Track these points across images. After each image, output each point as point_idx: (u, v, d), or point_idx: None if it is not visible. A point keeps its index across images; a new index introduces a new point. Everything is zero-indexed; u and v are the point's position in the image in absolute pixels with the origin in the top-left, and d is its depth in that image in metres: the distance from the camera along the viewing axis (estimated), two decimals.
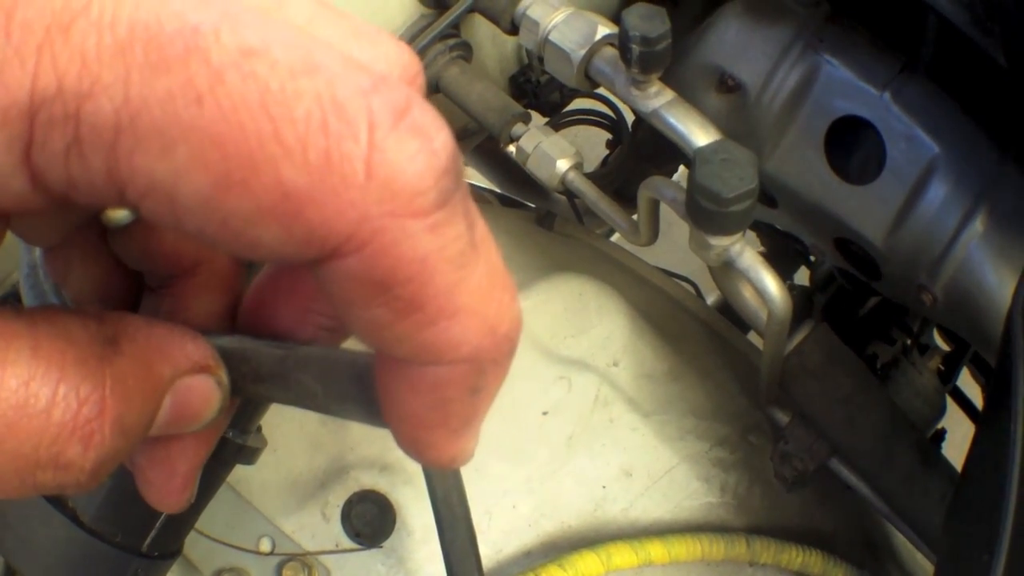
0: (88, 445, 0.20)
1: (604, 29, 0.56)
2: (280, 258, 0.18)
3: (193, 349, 0.23)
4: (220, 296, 0.26)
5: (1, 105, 0.17)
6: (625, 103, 0.56)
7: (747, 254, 0.52)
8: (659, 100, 0.54)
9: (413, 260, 0.18)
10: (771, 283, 0.52)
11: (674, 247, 0.77)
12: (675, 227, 0.60)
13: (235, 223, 0.18)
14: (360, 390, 0.23)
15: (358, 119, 0.17)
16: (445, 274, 0.19)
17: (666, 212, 0.54)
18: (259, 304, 0.26)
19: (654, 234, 0.57)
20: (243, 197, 0.17)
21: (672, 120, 0.54)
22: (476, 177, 0.96)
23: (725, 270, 0.54)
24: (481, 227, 0.20)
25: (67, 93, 0.17)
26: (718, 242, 0.50)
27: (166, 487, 0.25)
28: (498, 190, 0.95)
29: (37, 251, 0.27)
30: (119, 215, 0.24)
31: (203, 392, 0.23)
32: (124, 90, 0.17)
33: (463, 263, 0.19)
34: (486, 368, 0.20)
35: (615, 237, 0.98)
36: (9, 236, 0.25)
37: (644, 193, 0.54)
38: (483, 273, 0.20)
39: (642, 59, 0.51)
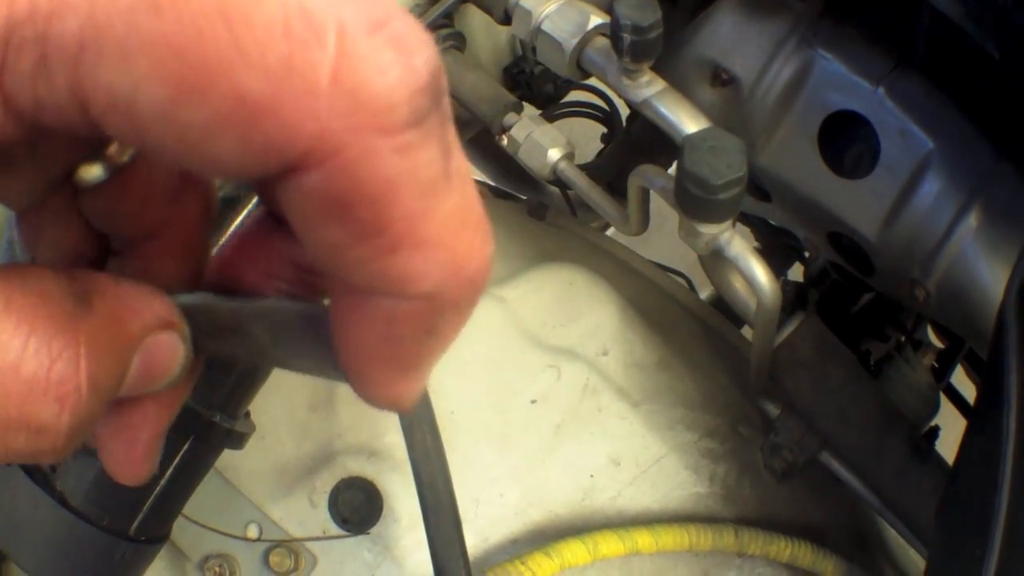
0: (64, 405, 0.20)
1: (596, 19, 0.56)
2: (242, 174, 0.18)
3: (159, 305, 0.22)
4: (184, 259, 0.26)
5: None
6: (617, 92, 0.56)
7: (736, 243, 0.52)
8: (650, 89, 0.54)
9: (377, 181, 0.17)
10: (760, 272, 0.52)
11: (669, 241, 0.77)
12: (670, 222, 0.60)
13: (193, 135, 0.17)
14: (312, 340, 0.22)
15: (326, 26, 0.17)
16: (411, 200, 0.18)
17: (662, 208, 0.54)
18: (222, 269, 0.25)
19: (644, 223, 0.57)
20: (200, 106, 0.17)
21: (663, 109, 0.54)
22: (472, 171, 0.96)
23: (715, 260, 0.54)
24: (459, 158, 0.19)
25: (38, 14, 0.17)
26: (707, 230, 0.50)
27: (127, 456, 0.24)
28: (492, 183, 0.95)
29: (15, 228, 0.27)
30: (91, 173, 0.24)
31: (169, 348, 0.22)
32: (89, 7, 0.17)
33: (433, 192, 0.18)
34: (445, 309, 0.19)
35: (610, 231, 0.98)
36: None
37: (634, 181, 0.54)
38: (454, 206, 0.18)
39: (633, 48, 0.51)
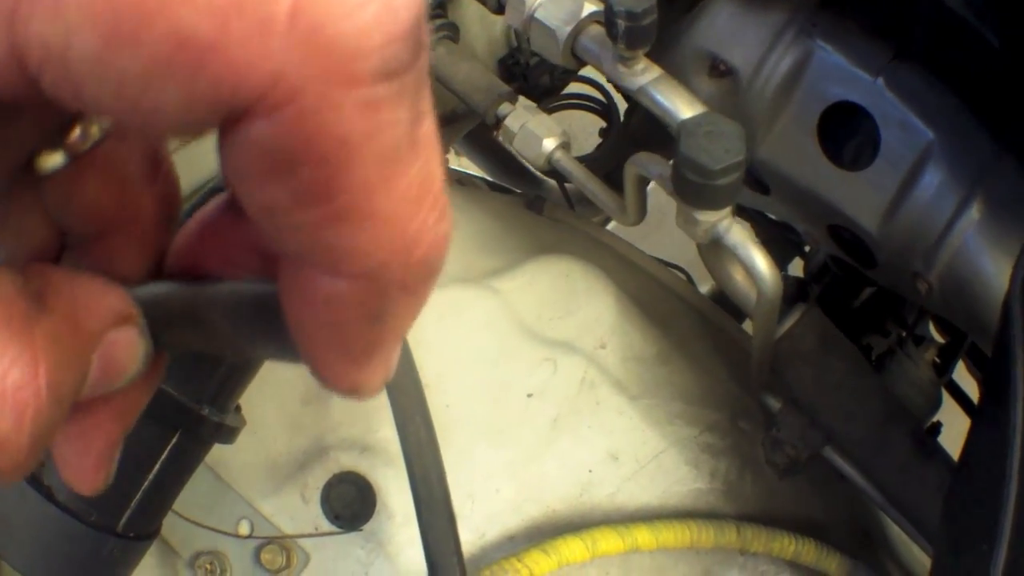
0: (22, 416, 0.18)
1: (590, 6, 0.55)
2: (189, 130, 0.16)
3: (116, 299, 0.21)
4: (143, 252, 0.24)
5: None
6: (612, 80, 0.56)
7: (735, 230, 0.51)
8: (646, 77, 0.54)
9: (332, 139, 0.15)
10: (760, 260, 0.51)
11: (670, 238, 0.77)
12: (670, 218, 0.59)
13: (131, 87, 0.15)
14: (270, 324, 0.21)
15: None
16: (367, 167, 0.16)
17: (662, 204, 0.54)
18: (183, 258, 0.24)
19: (641, 213, 0.56)
20: (135, 52, 0.15)
21: (658, 96, 0.53)
22: (469, 166, 0.96)
23: (714, 250, 0.54)
24: (429, 124, 0.17)
25: None
26: (705, 217, 0.50)
27: (80, 466, 0.23)
28: (490, 178, 0.95)
29: None
30: (52, 161, 0.23)
31: (127, 344, 0.21)
32: None
33: (394, 160, 0.16)
34: (391, 293, 0.17)
35: (611, 225, 0.97)
36: None
37: (630, 169, 0.53)
38: (415, 179, 0.16)
39: (628, 34, 0.51)
